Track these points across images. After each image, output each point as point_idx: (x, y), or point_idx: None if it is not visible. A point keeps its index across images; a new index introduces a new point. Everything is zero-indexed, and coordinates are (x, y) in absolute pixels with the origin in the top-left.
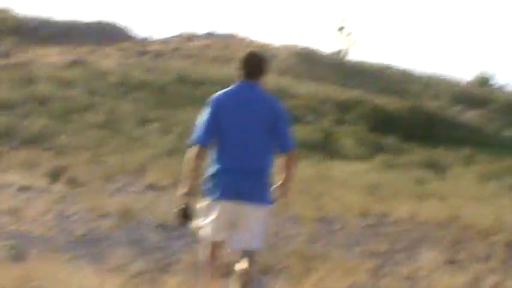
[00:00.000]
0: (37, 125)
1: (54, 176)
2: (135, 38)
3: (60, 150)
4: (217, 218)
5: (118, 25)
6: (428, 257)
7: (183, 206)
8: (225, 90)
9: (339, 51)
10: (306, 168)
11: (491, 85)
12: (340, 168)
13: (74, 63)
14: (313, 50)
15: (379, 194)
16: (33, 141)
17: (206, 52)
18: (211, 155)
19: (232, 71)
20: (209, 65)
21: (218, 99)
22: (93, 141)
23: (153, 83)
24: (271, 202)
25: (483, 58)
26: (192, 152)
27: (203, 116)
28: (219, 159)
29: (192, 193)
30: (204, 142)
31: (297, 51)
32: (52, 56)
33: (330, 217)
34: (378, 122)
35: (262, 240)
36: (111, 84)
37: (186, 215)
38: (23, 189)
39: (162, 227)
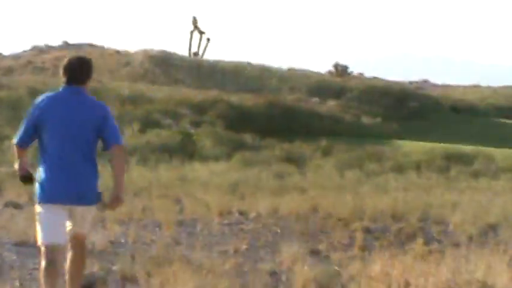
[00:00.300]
0: None
1: None
2: None
3: None
4: (47, 219)
5: None
6: (290, 250)
7: (21, 176)
8: (49, 93)
9: (194, 53)
10: (166, 172)
11: (349, 74)
12: (200, 170)
13: None
14: (168, 53)
15: (239, 192)
16: None
17: (58, 64)
18: (38, 155)
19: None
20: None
21: (41, 102)
22: None
23: (5, 98)
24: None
25: (334, 51)
26: (14, 150)
27: (26, 117)
28: (43, 162)
29: (21, 168)
30: (21, 143)
31: (152, 55)
32: None
33: (191, 219)
34: (235, 121)
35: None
36: None
37: (28, 179)
38: None
39: (19, 245)
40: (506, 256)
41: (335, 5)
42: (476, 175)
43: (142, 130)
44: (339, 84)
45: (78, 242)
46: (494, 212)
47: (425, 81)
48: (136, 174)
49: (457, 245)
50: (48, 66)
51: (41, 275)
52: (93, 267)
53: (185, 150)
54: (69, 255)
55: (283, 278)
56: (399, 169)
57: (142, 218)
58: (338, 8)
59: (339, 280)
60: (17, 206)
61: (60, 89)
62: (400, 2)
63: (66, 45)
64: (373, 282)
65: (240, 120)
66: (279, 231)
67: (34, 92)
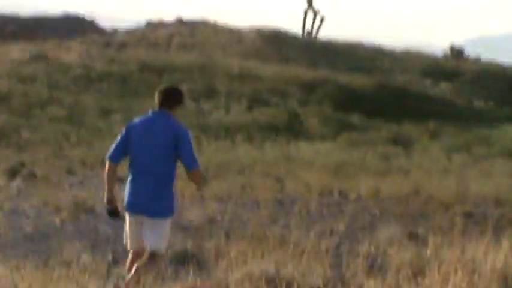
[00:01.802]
0: None
1: (13, 172)
2: (102, 29)
3: (21, 146)
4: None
5: (85, 18)
6: (388, 232)
7: (108, 209)
8: (140, 117)
9: (308, 32)
10: (271, 151)
11: (465, 57)
12: (305, 149)
13: (35, 58)
14: (281, 31)
15: (343, 173)
16: None
17: (172, 40)
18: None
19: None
20: (174, 53)
21: (131, 124)
22: (55, 136)
23: (115, 73)
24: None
25: (452, 30)
26: (106, 165)
27: (118, 137)
28: (130, 176)
29: (109, 200)
30: (113, 159)
31: (264, 33)
32: (14, 52)
33: (290, 198)
34: (343, 101)
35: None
36: (73, 77)
37: (113, 213)
38: None
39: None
40: None
41: None
42: None
43: (250, 107)
44: (452, 67)
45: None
46: None
47: None
48: (242, 151)
49: None
50: (161, 42)
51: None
52: (186, 243)
53: (291, 129)
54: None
55: (379, 260)
56: (508, 154)
57: (242, 196)
58: None
59: (434, 265)
60: (119, 179)
61: (150, 112)
62: None
63: (179, 22)
64: (468, 268)
65: (348, 101)
66: (378, 213)
67: (144, 67)
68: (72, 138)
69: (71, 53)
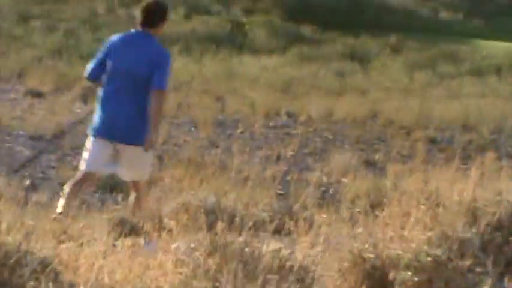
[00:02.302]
0: None
1: None
2: None
3: None
4: (94, 152)
5: None
6: (341, 159)
7: None
8: (120, 34)
9: None
10: (211, 65)
11: None
12: (249, 64)
13: None
14: None
15: (292, 92)
16: None
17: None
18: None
19: None
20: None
21: (111, 40)
22: None
23: None
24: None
25: None
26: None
27: (96, 53)
28: (103, 97)
29: None
30: (90, 77)
31: None
32: None
33: (232, 120)
34: (293, 10)
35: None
36: None
37: None
38: None
39: (34, 139)
40: None
41: None
42: None
43: (188, 16)
44: None
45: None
46: None
47: None
48: (178, 65)
49: None
50: None
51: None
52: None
53: (234, 41)
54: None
55: (331, 191)
56: (478, 72)
57: (178, 116)
58: None
59: (394, 196)
60: (38, 94)
61: (132, 30)
62: None
63: None
64: (432, 201)
65: (299, 10)
66: (331, 137)
67: None
68: None
69: None
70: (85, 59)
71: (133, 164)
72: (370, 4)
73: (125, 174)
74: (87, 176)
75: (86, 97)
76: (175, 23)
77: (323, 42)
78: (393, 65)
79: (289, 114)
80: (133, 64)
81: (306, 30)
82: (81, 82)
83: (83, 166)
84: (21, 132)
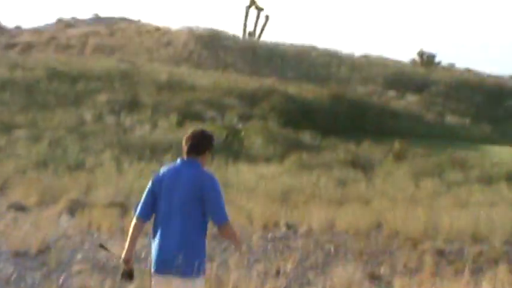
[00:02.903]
0: None
1: None
2: (3, 28)
3: None
4: None
5: None
6: (344, 273)
7: (124, 270)
8: (167, 166)
9: (250, 33)
10: None
11: (436, 64)
12: (246, 173)
13: None
14: (218, 31)
15: (291, 202)
16: None
17: (87, 41)
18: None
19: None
20: (89, 57)
21: (157, 176)
22: None
23: (19, 81)
24: (199, 275)
25: (421, 35)
26: (133, 222)
27: (146, 189)
28: (154, 234)
29: (126, 260)
30: (142, 216)
31: (198, 35)
32: None
33: None
34: (292, 115)
35: None
36: None
37: (128, 275)
38: None
39: (18, 255)
40: None
41: None
42: None
43: (181, 123)
44: (422, 76)
45: None
46: None
47: None
48: None
49: None
50: (74, 43)
51: None
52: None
53: (230, 149)
54: None
55: None
56: (487, 180)
57: None
58: None
59: None
60: (21, 208)
61: (178, 160)
62: None
63: (96, 19)
64: None
65: (298, 115)
66: (332, 249)
67: (54, 74)
68: None
69: None
70: (72, 169)
71: None
72: (372, 108)
73: None
74: None
75: (73, 210)
76: (166, 130)
77: (323, 149)
78: (398, 172)
79: (288, 226)
80: (182, 198)
81: (305, 136)
82: (68, 194)
83: None
84: (3, 249)
